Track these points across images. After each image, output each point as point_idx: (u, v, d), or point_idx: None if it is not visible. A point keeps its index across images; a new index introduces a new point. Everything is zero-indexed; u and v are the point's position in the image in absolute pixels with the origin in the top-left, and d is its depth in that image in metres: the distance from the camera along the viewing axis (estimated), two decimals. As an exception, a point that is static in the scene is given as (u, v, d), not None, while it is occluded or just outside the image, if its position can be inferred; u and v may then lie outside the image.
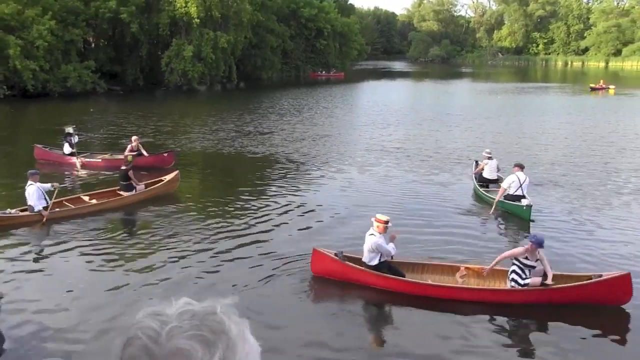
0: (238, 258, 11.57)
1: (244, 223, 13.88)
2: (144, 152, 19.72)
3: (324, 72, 75.80)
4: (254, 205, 15.44)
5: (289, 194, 16.53)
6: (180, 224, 13.79)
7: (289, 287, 10.30)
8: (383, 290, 10.06)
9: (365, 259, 10.35)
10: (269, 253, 11.78)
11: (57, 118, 32.56)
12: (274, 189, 17.34)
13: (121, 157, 18.21)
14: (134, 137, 20.22)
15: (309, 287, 10.42)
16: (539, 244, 9.68)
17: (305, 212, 14.72)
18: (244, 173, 19.96)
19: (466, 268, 10.37)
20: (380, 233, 10.22)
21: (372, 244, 10.16)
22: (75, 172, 19.14)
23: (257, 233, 13.17)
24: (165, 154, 20.18)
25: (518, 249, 10.00)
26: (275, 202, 15.77)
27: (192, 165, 20.61)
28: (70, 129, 20.91)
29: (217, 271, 10.91)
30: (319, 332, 8.71)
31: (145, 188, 16.05)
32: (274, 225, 13.73)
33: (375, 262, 10.24)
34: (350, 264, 10.41)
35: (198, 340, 0.98)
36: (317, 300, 10.24)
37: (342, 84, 63.82)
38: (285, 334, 8.55)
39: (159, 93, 51.14)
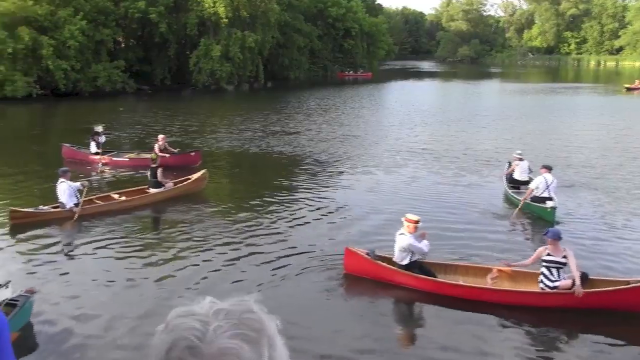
0: (265, 256, 11.63)
1: (271, 222, 13.96)
2: (173, 150, 19.93)
3: (351, 72, 75.67)
4: (280, 205, 15.51)
5: (316, 195, 16.54)
6: (208, 222, 13.92)
7: (317, 286, 10.36)
8: (414, 289, 10.05)
9: (396, 258, 10.41)
10: (296, 252, 11.85)
11: (87, 117, 33.05)
12: (300, 189, 17.36)
13: (148, 156, 18.37)
14: (160, 136, 20.38)
15: (339, 286, 10.47)
16: (553, 236, 9.54)
17: (332, 212, 14.73)
18: (271, 173, 20.01)
19: (498, 270, 10.27)
20: (410, 233, 10.25)
21: (403, 244, 10.22)
22: (99, 171, 19.36)
23: (284, 232, 13.23)
24: (192, 153, 20.37)
25: (540, 249, 9.88)
26: (302, 202, 15.82)
27: (219, 165, 20.74)
28: (99, 128, 21.18)
29: (245, 269, 10.98)
30: (346, 332, 8.73)
31: (173, 186, 16.17)
32: (301, 225, 13.80)
33: (406, 261, 10.28)
34: (382, 263, 10.48)
35: (242, 339, 0.96)
36: (346, 299, 10.26)
37: (370, 83, 63.67)
38: (312, 333, 8.59)
39: (187, 92, 51.56)
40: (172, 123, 31.21)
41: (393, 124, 31.37)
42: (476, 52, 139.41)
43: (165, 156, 18.74)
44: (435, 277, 10.22)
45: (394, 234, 10.67)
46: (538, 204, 14.35)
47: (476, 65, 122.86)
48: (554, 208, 13.89)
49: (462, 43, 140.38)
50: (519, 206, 14.59)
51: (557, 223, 13.59)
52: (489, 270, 10.34)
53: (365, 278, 10.51)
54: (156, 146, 19.58)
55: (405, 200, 15.59)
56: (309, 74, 70.25)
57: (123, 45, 54.27)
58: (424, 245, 10.31)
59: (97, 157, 20.17)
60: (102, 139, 20.78)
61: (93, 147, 20.53)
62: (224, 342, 0.95)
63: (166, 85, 53.13)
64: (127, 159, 20.18)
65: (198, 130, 28.73)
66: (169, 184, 16.15)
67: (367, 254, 10.62)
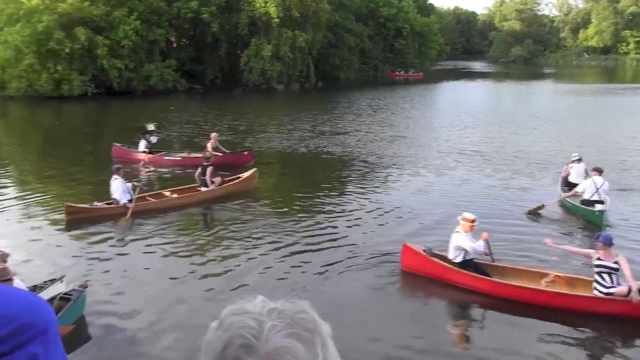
0: (316, 254, 11.68)
1: (321, 221, 14.02)
2: (224, 150, 20.16)
3: (402, 72, 75.19)
4: (330, 205, 15.56)
5: (365, 195, 16.51)
6: (258, 220, 14.06)
7: (371, 283, 10.40)
8: (468, 289, 10.03)
9: (450, 256, 10.52)
10: (347, 250, 11.87)
11: (139, 115, 33.80)
12: (350, 189, 17.36)
13: (200, 155, 18.61)
14: (213, 134, 20.58)
15: (393, 284, 10.52)
16: (605, 240, 9.28)
17: (381, 213, 14.69)
18: (320, 173, 20.05)
19: (555, 276, 10.09)
20: (465, 232, 10.33)
21: (457, 242, 10.34)
22: (142, 170, 19.51)
23: (334, 231, 13.25)
24: (245, 153, 20.59)
25: (591, 251, 9.65)
26: (352, 202, 15.83)
27: (269, 164, 20.88)
28: (151, 126, 21.56)
29: (296, 267, 11.02)
30: (398, 330, 8.71)
31: (222, 184, 16.40)
32: (352, 224, 13.80)
33: (459, 259, 10.38)
34: (437, 260, 10.57)
35: (296, 338, 0.96)
36: (399, 298, 10.29)
37: (421, 84, 63.18)
38: (363, 330, 8.55)
39: (238, 92, 52.07)
40: (222, 122, 31.62)
41: (443, 125, 31.06)
42: (529, 53, 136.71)
43: (217, 155, 18.92)
44: (489, 275, 10.21)
45: (443, 235, 10.64)
46: (587, 207, 14.06)
47: (529, 65, 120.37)
48: (602, 211, 13.54)
49: (515, 43, 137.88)
50: (558, 199, 14.52)
51: (608, 227, 13.20)
52: (544, 274, 10.18)
53: (420, 275, 10.61)
54: (209, 144, 19.74)
55: (455, 202, 15.37)
56: (360, 74, 70.10)
57: (175, 45, 55.20)
58: (479, 245, 10.29)
59: (143, 155, 20.43)
60: (154, 138, 21.04)
61: (142, 146, 20.75)
62: (279, 341, 0.95)
63: (217, 85, 53.80)
64: (179, 158, 20.39)
65: (247, 130, 29.00)
66: (217, 181, 16.35)
67: (424, 250, 10.76)
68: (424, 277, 10.56)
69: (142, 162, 20.05)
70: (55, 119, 36.94)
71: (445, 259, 10.60)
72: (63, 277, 9.41)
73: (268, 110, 40.14)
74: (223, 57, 54.59)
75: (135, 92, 46.65)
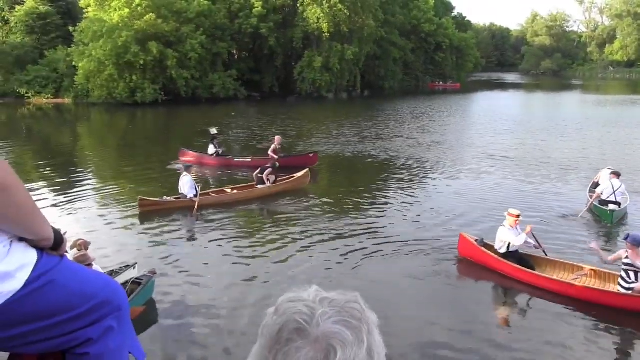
0: (367, 248, 11.58)
1: (367, 218, 13.93)
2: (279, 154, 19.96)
3: (441, 82, 74.50)
4: (375, 204, 15.49)
5: (407, 195, 16.37)
6: (310, 216, 14.05)
7: (422, 271, 10.37)
8: (509, 277, 10.10)
9: (496, 246, 10.65)
10: (395, 241, 11.82)
11: (203, 120, 34.29)
12: (393, 190, 17.22)
13: (266, 157, 18.74)
14: (276, 137, 20.26)
15: (446, 271, 10.57)
16: (633, 241, 8.95)
17: (422, 212, 14.49)
18: (366, 175, 19.97)
19: (591, 270, 9.98)
20: (511, 226, 10.46)
21: (500, 235, 10.51)
22: (213, 172, 19.53)
23: (380, 226, 13.14)
24: (311, 155, 20.47)
25: (621, 251, 9.36)
26: (395, 201, 15.69)
27: (319, 166, 20.77)
28: (214, 130, 21.74)
29: (342, 262, 10.92)
30: (441, 316, 8.58)
31: (276, 183, 16.50)
32: (396, 221, 13.64)
33: (503, 250, 10.49)
34: (485, 249, 10.67)
35: (344, 325, 0.98)
36: (450, 283, 10.23)
37: (458, 94, 62.34)
38: (407, 321, 8.42)
39: (291, 99, 52.36)
40: (276, 126, 31.78)
41: (479, 132, 30.52)
42: (558, 66, 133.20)
43: (274, 157, 18.98)
44: (533, 267, 10.23)
45: (478, 234, 10.51)
46: (601, 207, 14.00)
47: (558, 78, 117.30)
48: (612, 211, 13.62)
49: (545, 57, 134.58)
50: (587, 207, 14.34)
51: (624, 225, 13.32)
52: (580, 268, 10.14)
53: (473, 262, 10.81)
54: (272, 146, 19.59)
55: (489, 205, 15.07)
56: (402, 84, 69.67)
57: (236, 56, 55.85)
58: (521, 238, 10.32)
59: (215, 158, 20.39)
60: (220, 149, 20.87)
61: (211, 149, 20.64)
62: (329, 327, 0.97)
63: (274, 93, 54.32)
64: (249, 160, 20.10)
65: (299, 134, 29.09)
66: (271, 179, 16.42)
67: (476, 240, 10.92)
68: (476, 263, 10.76)
69: (222, 163, 19.95)
70: (129, 123, 37.82)
71: (493, 249, 10.73)
72: (135, 263, 9.58)
73: (318, 116, 40.19)
74: (279, 67, 55.07)
75: (200, 100, 47.43)
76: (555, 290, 9.45)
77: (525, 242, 10.37)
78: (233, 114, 39.20)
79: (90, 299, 1.64)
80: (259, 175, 16.40)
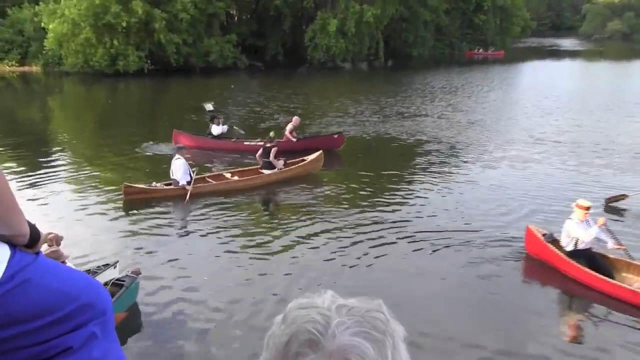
0: (388, 247, 11.61)
1: (391, 208, 14.01)
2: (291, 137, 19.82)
3: (481, 50, 73.84)
4: (399, 192, 15.55)
5: (435, 185, 16.31)
6: (325, 205, 14.19)
7: (452, 273, 10.42)
8: (581, 283, 10.00)
9: (562, 243, 10.62)
10: (426, 244, 11.81)
11: (198, 94, 34.35)
12: (419, 177, 17.22)
13: (281, 139, 18.66)
14: (295, 118, 20.27)
15: (495, 272, 10.62)
16: None
17: (450, 203, 14.48)
18: (389, 159, 20.01)
19: None
20: (579, 220, 10.34)
21: (567, 229, 10.46)
22: (217, 158, 19.33)
23: (407, 221, 13.15)
24: (335, 136, 20.48)
25: None
26: (421, 191, 15.70)
27: (332, 151, 20.88)
28: (209, 106, 21.77)
29: (364, 262, 10.96)
30: (483, 337, 8.54)
31: (285, 167, 16.65)
32: (425, 216, 13.66)
33: (570, 247, 10.45)
34: (552, 247, 10.64)
35: (365, 337, 0.96)
36: (504, 284, 10.34)
37: (501, 64, 61.85)
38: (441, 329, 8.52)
39: (302, 70, 52.21)
40: (284, 102, 31.88)
41: (525, 111, 30.29)
42: (630, 27, 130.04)
43: (291, 139, 19.17)
44: (609, 271, 10.00)
45: (518, 236, 10.65)
46: None
47: (629, 42, 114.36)
48: None
49: (612, 16, 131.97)
50: None
51: None
52: None
53: (539, 263, 10.85)
54: (289, 126, 19.61)
55: (541, 199, 14.92)
56: (434, 52, 69.24)
57: (236, 18, 55.74)
58: (590, 232, 10.17)
59: (219, 141, 20.03)
60: (225, 127, 20.38)
61: (215, 129, 20.10)
62: (346, 339, 0.95)
63: (279, 62, 54.12)
64: (261, 143, 18.68)
65: (311, 111, 29.06)
66: (279, 164, 16.57)
67: (544, 235, 10.91)
68: (545, 264, 10.75)
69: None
70: (110, 97, 38.09)
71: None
72: (116, 262, 9.72)
73: (332, 90, 40.15)
74: (286, 32, 54.82)
75: (193, 69, 47.44)
76: (626, 300, 9.21)
77: (598, 238, 10.18)
78: (232, 86, 39.27)
79: (71, 301, 1.65)
80: (264, 158, 16.54)
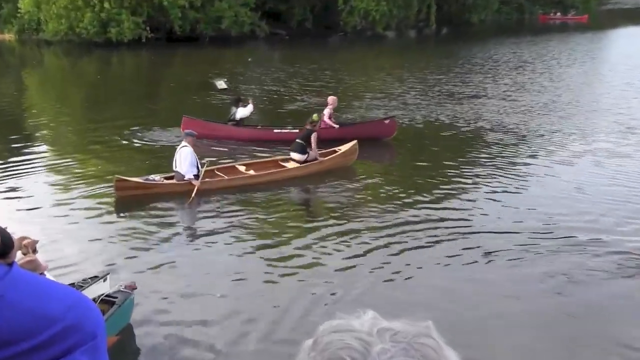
0: (434, 254, 11.56)
1: (440, 211, 13.83)
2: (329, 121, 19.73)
3: (558, 14, 73.28)
4: (452, 193, 15.36)
5: (500, 183, 16.06)
6: (357, 208, 14.08)
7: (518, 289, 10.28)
8: None
9: None
10: (472, 248, 11.71)
11: (207, 68, 34.44)
12: (479, 174, 16.98)
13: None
14: (331, 98, 20.15)
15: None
16: None
17: (522, 209, 14.28)
18: (439, 149, 19.82)
19: None
20: None
21: None
22: (239, 149, 19.03)
23: (457, 223, 13.08)
24: (386, 121, 20.31)
25: None
26: (484, 190, 15.53)
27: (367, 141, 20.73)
28: (222, 84, 21.82)
29: (413, 274, 10.83)
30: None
31: (319, 158, 16.65)
32: (482, 219, 13.51)
33: None
34: None
35: None
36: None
37: (584, 31, 61.13)
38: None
39: (334, 40, 52.10)
40: (310, 79, 31.94)
41: (614, 92, 29.87)
42: None
43: (333, 126, 19.19)
44: None
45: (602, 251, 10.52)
46: None
47: None
48: None
49: None
50: None
51: None
52: None
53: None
54: (327, 110, 19.56)
55: (627, 205, 14.83)
56: (499, 17, 68.83)
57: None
58: None
59: (242, 129, 19.72)
60: (248, 110, 19.88)
61: (241, 112, 19.74)
62: None
63: (307, 30, 53.98)
64: (296, 131, 18.65)
65: (344, 91, 28.93)
66: (313, 154, 16.53)
67: None
68: None
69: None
70: (100, 71, 38.32)
71: None
72: (107, 274, 9.71)
73: (371, 64, 39.89)
74: (316, -7, 54.83)
75: (202, 39, 47.61)
76: None
77: None
78: (250, 59, 39.35)
79: (53, 323, 1.58)
80: (300, 140, 16.49)
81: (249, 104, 19.83)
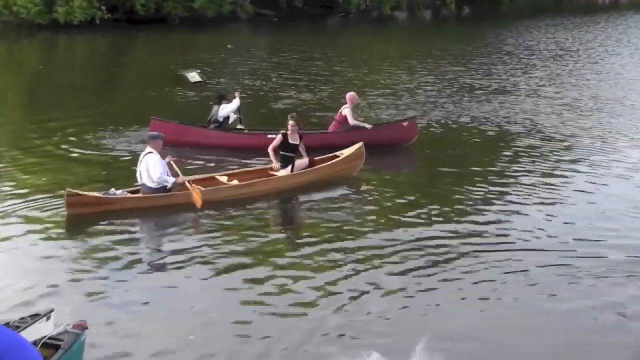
0: (455, 278, 11.53)
1: (463, 229, 13.82)
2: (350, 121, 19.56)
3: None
4: (483, 203, 15.41)
5: (535, 196, 16.03)
6: (363, 225, 13.99)
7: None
8: None
9: None
10: (508, 272, 11.70)
11: (177, 57, 34.46)
12: (509, 184, 16.99)
13: (325, 130, 18.88)
14: (350, 94, 20.08)
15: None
16: None
17: (562, 228, 14.28)
18: (463, 152, 19.86)
19: None
20: None
21: None
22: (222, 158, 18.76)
23: (483, 243, 13.06)
24: (405, 123, 20.17)
25: None
26: (516, 203, 15.54)
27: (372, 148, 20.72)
28: (195, 76, 21.69)
29: (428, 303, 10.79)
30: None
31: (310, 166, 16.53)
32: (515, 236, 13.54)
33: None
34: None
35: None
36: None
37: (636, 10, 61.36)
38: None
39: (333, 21, 52.16)
40: (301, 70, 32.07)
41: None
42: None
43: (366, 127, 19.21)
44: None
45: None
46: None
47: None
48: None
49: None
50: None
51: None
52: None
53: None
54: (346, 111, 19.41)
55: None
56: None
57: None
58: None
59: (227, 134, 19.47)
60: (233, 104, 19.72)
61: (225, 110, 19.39)
62: None
63: (299, 10, 54.03)
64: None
65: (345, 84, 29.04)
66: (302, 162, 16.48)
67: None
68: None
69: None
70: (43, 60, 38.25)
71: None
72: (51, 312, 9.61)
73: (377, 51, 40.01)
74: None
75: (170, 20, 47.59)
76: None
77: None
78: (229, 46, 39.35)
79: None
80: (284, 152, 16.29)
81: (235, 98, 19.67)
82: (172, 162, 14.97)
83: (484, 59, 35.82)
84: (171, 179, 14.61)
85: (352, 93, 20.17)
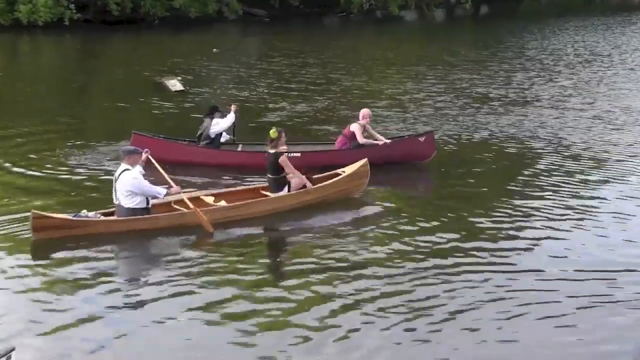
0: (480, 313, 11.45)
1: (494, 253, 13.92)
2: (378, 136, 19.90)
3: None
4: (497, 232, 15.37)
5: (563, 218, 16.19)
6: (369, 254, 13.99)
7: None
8: None
9: None
10: (544, 302, 11.67)
11: (155, 61, 34.50)
12: (534, 206, 17.00)
13: (330, 147, 19.06)
14: (364, 111, 20.04)
15: None
16: None
17: (595, 252, 14.33)
18: (477, 171, 19.88)
19: None
20: None
21: None
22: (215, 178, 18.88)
23: (521, 276, 12.97)
24: (421, 139, 20.17)
25: None
26: (542, 227, 15.53)
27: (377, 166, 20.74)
28: (175, 83, 21.73)
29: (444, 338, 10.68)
30: None
31: (308, 186, 16.44)
32: (541, 263, 13.45)
33: None
34: None
35: None
36: None
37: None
38: None
39: (331, 21, 52.23)
40: (302, 76, 32.24)
41: None
42: None
43: (375, 143, 19.27)
44: None
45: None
46: None
47: None
48: None
49: None
50: None
51: None
52: None
53: None
54: (355, 127, 19.49)
55: None
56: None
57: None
58: None
59: (221, 152, 19.59)
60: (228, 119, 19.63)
61: (217, 127, 19.34)
62: None
63: (294, 9, 54.13)
64: (297, 155, 18.72)
65: (344, 93, 29.19)
66: (296, 182, 16.39)
67: None
68: None
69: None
70: (3, 65, 38.17)
71: None
72: (12, 350, 9.60)
73: (380, 56, 40.14)
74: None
75: (149, 21, 47.70)
76: None
77: None
78: (215, 50, 39.44)
79: None
80: (271, 175, 16.32)
81: (230, 111, 19.60)
82: (164, 173, 15.05)
83: (504, 65, 35.91)
84: (163, 190, 14.62)
85: (366, 109, 20.06)
